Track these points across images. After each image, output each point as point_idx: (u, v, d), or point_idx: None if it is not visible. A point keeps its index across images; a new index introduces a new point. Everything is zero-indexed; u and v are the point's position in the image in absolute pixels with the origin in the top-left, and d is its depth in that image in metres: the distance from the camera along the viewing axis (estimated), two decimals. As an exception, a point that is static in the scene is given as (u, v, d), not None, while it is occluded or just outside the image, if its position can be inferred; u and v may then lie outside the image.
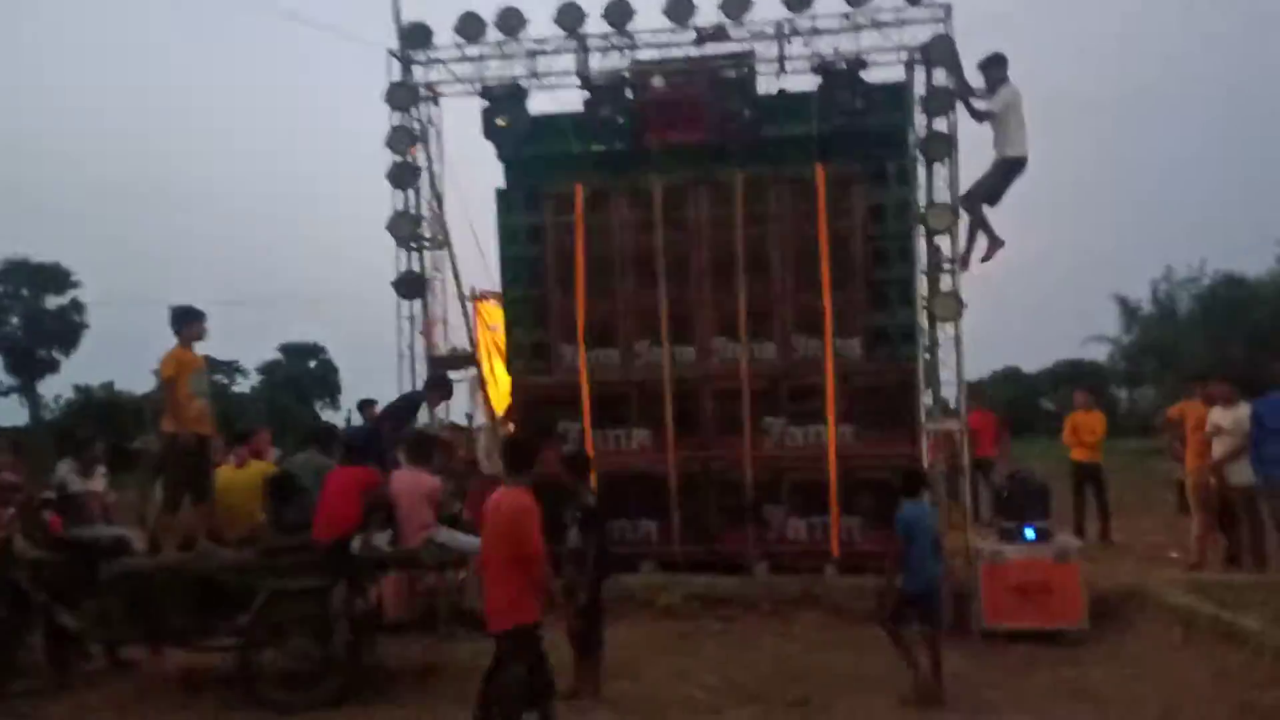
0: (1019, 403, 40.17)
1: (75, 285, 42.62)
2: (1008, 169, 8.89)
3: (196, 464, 7.44)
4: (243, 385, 52.28)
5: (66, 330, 42.52)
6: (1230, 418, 9.00)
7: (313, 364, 54.29)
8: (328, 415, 46.86)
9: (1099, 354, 40.56)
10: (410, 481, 7.20)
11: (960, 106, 9.00)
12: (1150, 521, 13.07)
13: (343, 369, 52.80)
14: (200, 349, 7.89)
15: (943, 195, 8.83)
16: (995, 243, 9.00)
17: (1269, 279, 34.24)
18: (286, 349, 53.30)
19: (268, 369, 52.74)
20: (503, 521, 5.22)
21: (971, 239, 9.01)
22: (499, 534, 5.23)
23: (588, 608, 6.40)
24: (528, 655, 5.30)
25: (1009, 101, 8.82)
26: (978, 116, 8.90)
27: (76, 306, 42.65)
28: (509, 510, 5.22)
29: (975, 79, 9.00)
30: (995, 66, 8.96)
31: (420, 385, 10.26)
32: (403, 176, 9.48)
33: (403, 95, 9.54)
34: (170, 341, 7.69)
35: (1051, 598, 8.12)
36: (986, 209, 8.97)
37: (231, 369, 52.38)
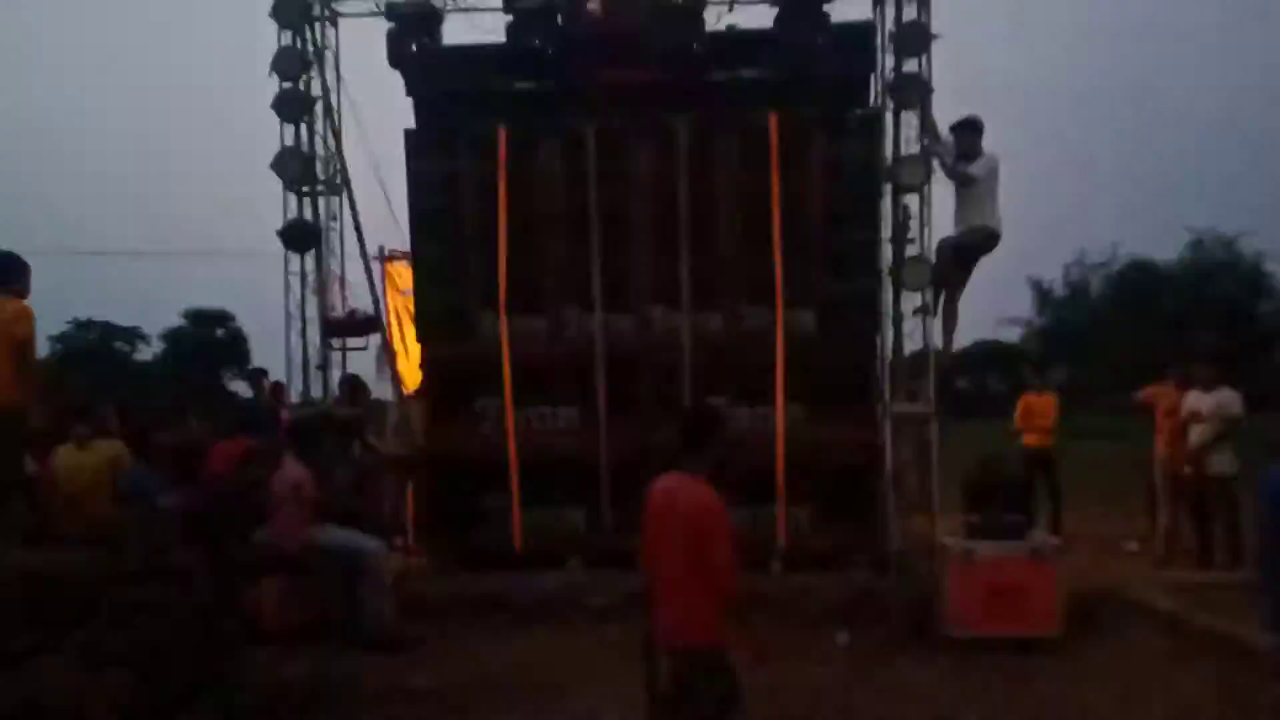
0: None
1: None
2: (983, 243, 7.99)
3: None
4: (145, 354, 49.79)
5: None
6: (1210, 402, 8.34)
7: (220, 331, 51.94)
8: (236, 386, 44.62)
9: (1012, 335, 41.04)
10: (278, 475, 6.01)
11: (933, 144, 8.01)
12: (1098, 509, 12.55)
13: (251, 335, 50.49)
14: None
15: (913, 147, 7.84)
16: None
17: (1178, 265, 34.98)
18: (192, 315, 50.90)
19: (172, 336, 50.26)
20: (677, 519, 4.11)
21: (950, 326, 8.12)
22: (671, 533, 4.12)
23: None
24: (712, 685, 4.14)
25: (991, 169, 7.87)
26: (958, 178, 7.91)
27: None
28: (686, 505, 4.10)
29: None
30: (969, 132, 8.00)
31: (313, 354, 8.92)
32: (291, 106, 8.09)
33: (292, 11, 8.13)
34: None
35: (1026, 601, 7.31)
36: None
37: (133, 336, 49.72)
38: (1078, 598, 7.64)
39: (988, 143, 8.06)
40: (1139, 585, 7.78)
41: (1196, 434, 8.41)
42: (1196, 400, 8.48)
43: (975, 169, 7.85)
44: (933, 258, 7.79)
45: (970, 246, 7.90)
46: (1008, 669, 6.80)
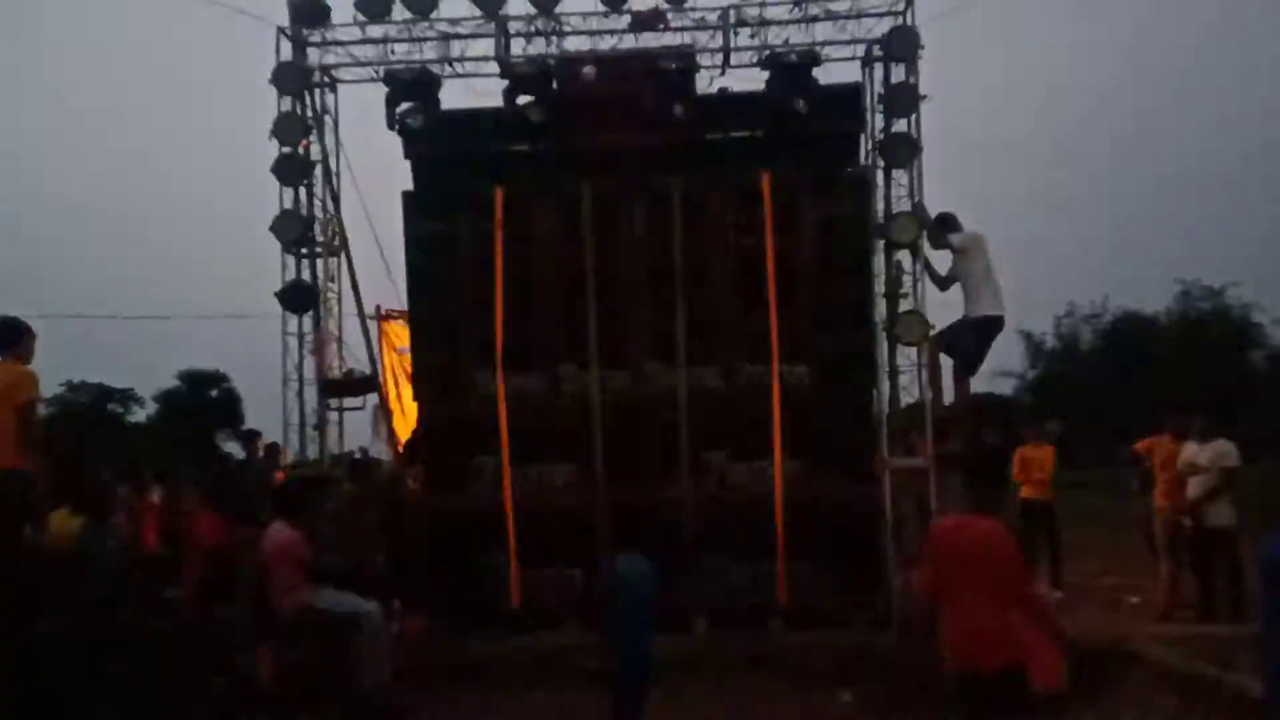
0: (930, 436, 40.34)
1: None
2: (984, 330, 7.97)
3: None
4: (138, 415, 49.44)
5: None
6: (1207, 454, 8.32)
7: (214, 392, 51.72)
8: (230, 447, 44.37)
9: (1005, 388, 41.03)
10: (268, 538, 5.97)
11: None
12: (1097, 562, 12.47)
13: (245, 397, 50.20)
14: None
15: (904, 205, 7.97)
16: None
17: (1168, 315, 35.19)
18: (186, 376, 50.73)
19: (165, 397, 50.02)
20: (975, 552, 4.45)
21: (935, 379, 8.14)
22: (971, 565, 4.46)
23: None
24: (1022, 698, 4.51)
25: (970, 240, 7.93)
26: (941, 283, 8.04)
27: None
28: (990, 542, 4.44)
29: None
30: (946, 226, 8.11)
31: (310, 413, 8.92)
32: (291, 170, 8.20)
33: (292, 78, 8.28)
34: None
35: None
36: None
37: (127, 397, 49.50)
38: (1081, 652, 7.56)
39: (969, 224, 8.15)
40: (1142, 638, 7.70)
41: (1194, 486, 8.38)
42: (1193, 452, 8.47)
43: (955, 239, 7.91)
44: (926, 312, 7.85)
45: (988, 328, 7.90)
46: (1013, 726, 6.70)
